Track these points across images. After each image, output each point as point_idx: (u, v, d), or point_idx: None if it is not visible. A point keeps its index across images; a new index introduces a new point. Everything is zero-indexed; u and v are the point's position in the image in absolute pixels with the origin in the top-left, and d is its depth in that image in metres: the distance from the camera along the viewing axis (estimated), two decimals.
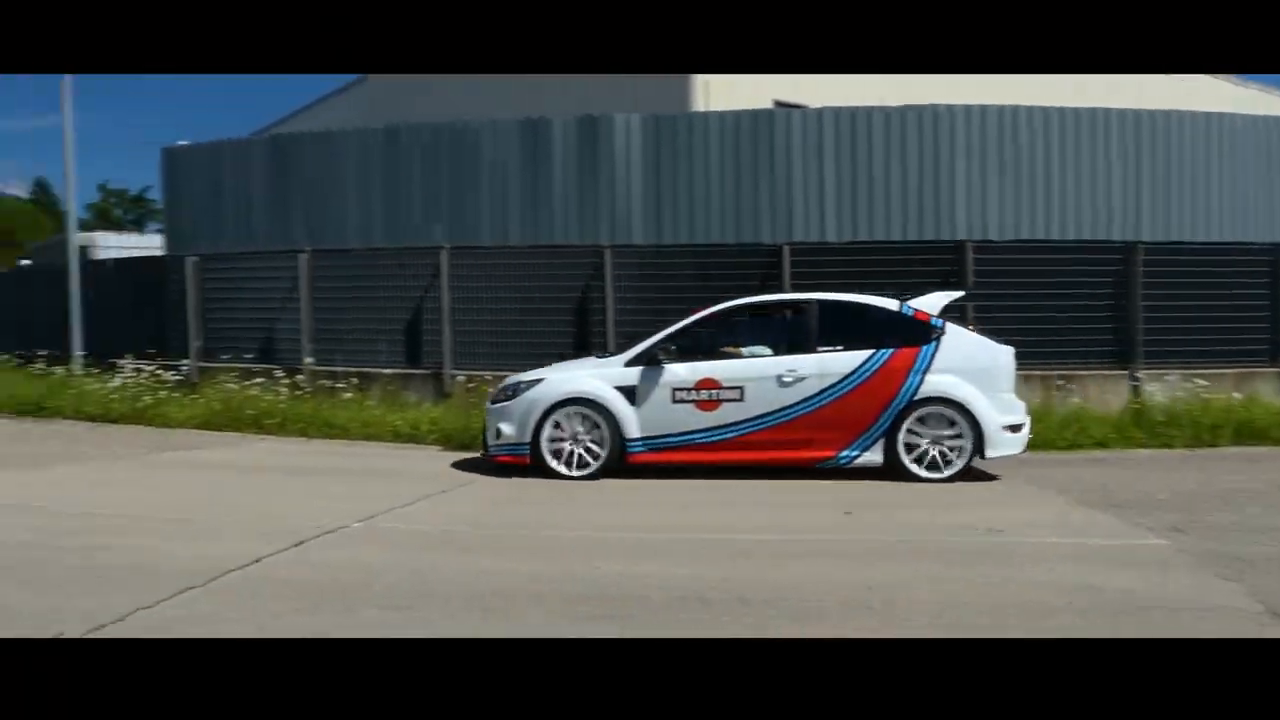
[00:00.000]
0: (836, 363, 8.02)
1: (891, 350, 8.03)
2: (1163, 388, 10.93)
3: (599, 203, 12.93)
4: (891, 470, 7.96)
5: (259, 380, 11.92)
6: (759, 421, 8.04)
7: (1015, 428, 8.06)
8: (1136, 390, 11.01)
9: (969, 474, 8.02)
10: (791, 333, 8.35)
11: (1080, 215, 12.76)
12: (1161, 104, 13.69)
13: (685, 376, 8.15)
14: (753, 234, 12.46)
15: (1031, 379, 10.92)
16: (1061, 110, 12.71)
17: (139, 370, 12.76)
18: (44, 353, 14.99)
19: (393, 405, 11.34)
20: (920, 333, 8.11)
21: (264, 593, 4.80)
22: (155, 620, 4.34)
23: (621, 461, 8.17)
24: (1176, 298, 11.06)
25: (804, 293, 9.00)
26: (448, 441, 10.19)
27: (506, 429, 8.33)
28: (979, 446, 7.91)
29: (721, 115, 12.87)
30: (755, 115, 12.81)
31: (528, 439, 8.19)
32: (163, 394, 12.23)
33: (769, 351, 8.24)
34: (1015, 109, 12.58)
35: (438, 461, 9.27)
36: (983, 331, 10.85)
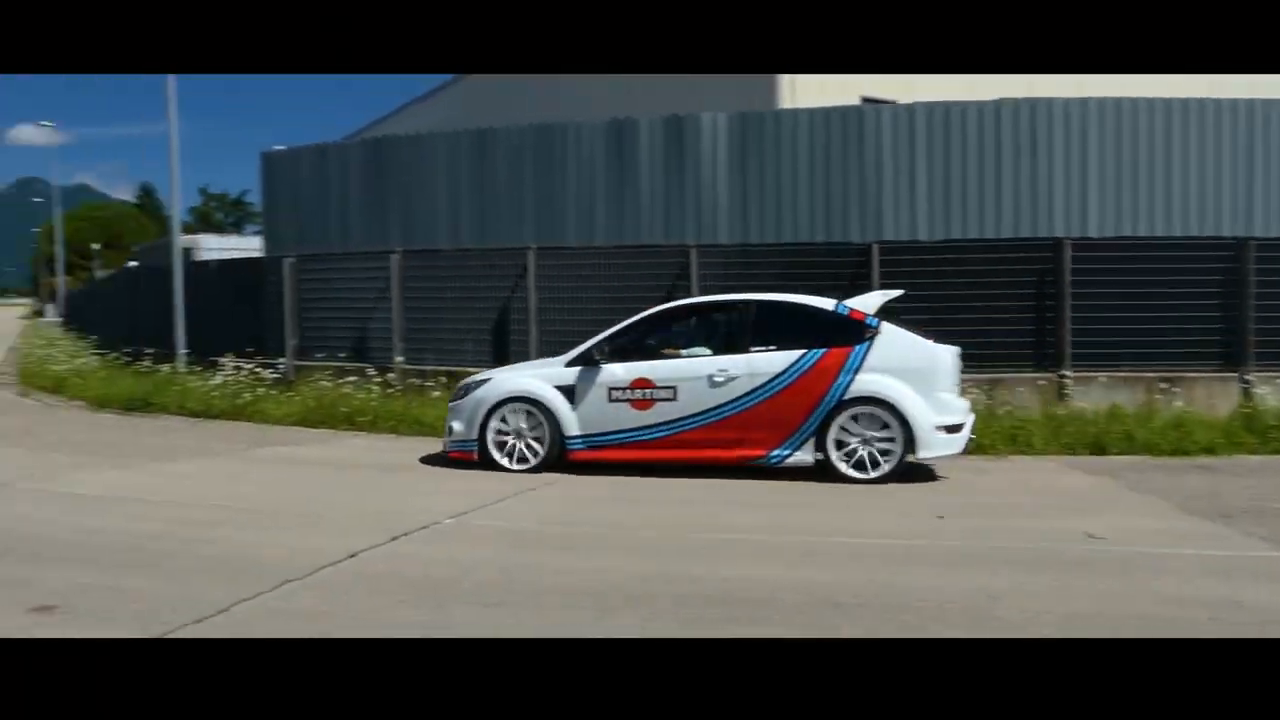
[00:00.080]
0: (767, 363, 8.05)
1: (823, 350, 8.01)
2: (1276, 391, 10.42)
3: (685, 202, 12.88)
4: (823, 470, 7.93)
5: (352, 378, 12.20)
6: (692, 420, 8.13)
7: (953, 428, 7.91)
8: (1247, 393, 10.50)
9: (1053, 475, 7.76)
10: (730, 333, 8.46)
11: (1187, 210, 12.23)
12: (1275, 93, 13.03)
13: (621, 376, 8.32)
14: (841, 233, 12.27)
15: (1132, 381, 10.54)
16: (1168, 101, 12.19)
17: (238, 368, 13.18)
18: (150, 350, 15.63)
19: None
20: (854, 332, 8.06)
21: (360, 587, 4.89)
22: (256, 611, 4.45)
23: (563, 458, 8.37)
24: None
25: (741, 294, 9.05)
26: None
27: (458, 426, 8.67)
28: (910, 447, 7.82)
29: (810, 113, 12.68)
30: (844, 112, 12.60)
31: (475, 435, 8.50)
32: (261, 391, 12.61)
33: (708, 352, 8.34)
34: (1118, 100, 12.12)
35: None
36: (1082, 332, 10.60)
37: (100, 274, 48.70)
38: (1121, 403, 10.27)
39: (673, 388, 8.18)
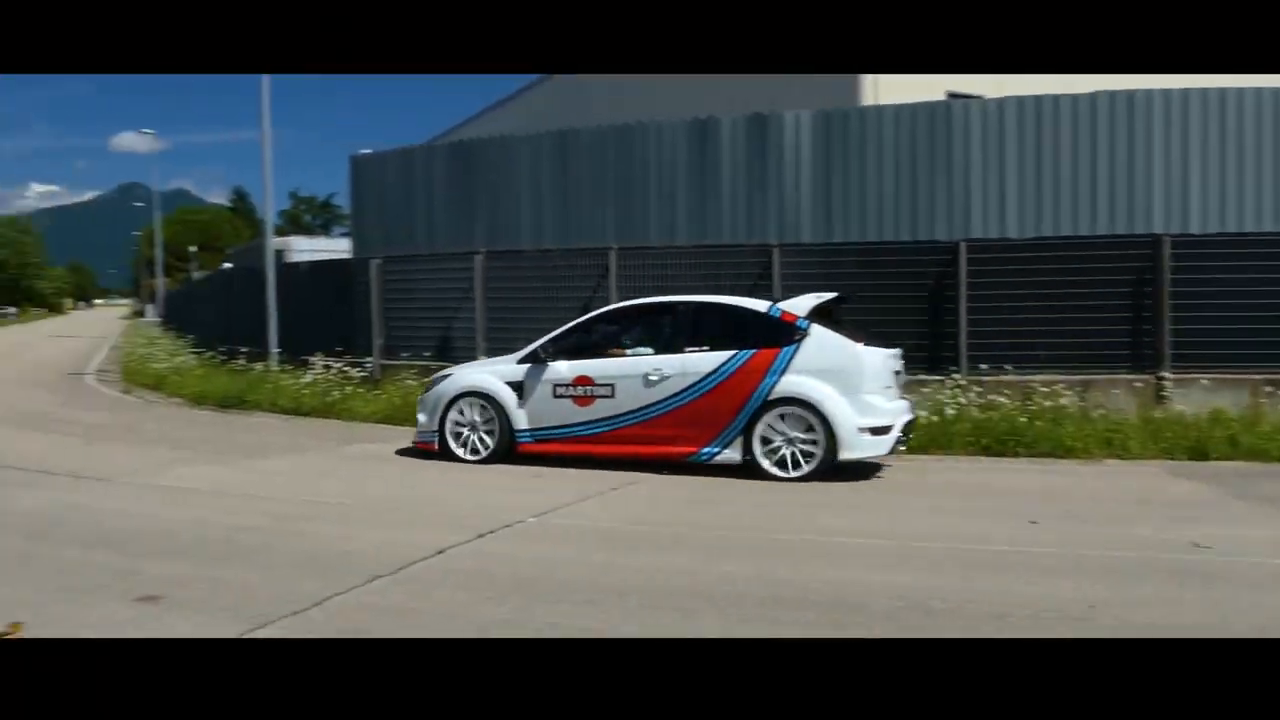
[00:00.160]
0: (698, 363, 8.26)
1: (752, 351, 8.16)
2: None
3: (767, 201, 12.77)
4: (749, 468, 8.01)
5: None
6: (629, 417, 8.42)
7: (878, 430, 7.92)
8: None
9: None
10: (668, 333, 8.69)
11: None
12: None
13: (565, 374, 8.70)
14: (928, 231, 12.01)
15: (1236, 383, 10.10)
16: (1276, 91, 11.64)
17: (327, 367, 13.52)
18: (244, 350, 16.12)
19: None
20: (784, 335, 8.16)
21: (448, 583, 4.96)
22: (349, 605, 4.54)
23: (512, 450, 8.76)
24: None
25: (678, 296, 9.35)
26: None
27: (422, 418, 9.23)
28: (832, 447, 7.83)
29: (896, 109, 12.44)
30: (931, 108, 12.33)
31: (436, 426, 9.02)
32: (349, 389, 12.91)
33: (651, 351, 8.57)
34: (1222, 91, 11.61)
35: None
36: (1182, 332, 10.19)
37: (197, 275, 50.46)
38: (1224, 406, 9.84)
39: (611, 385, 8.49)
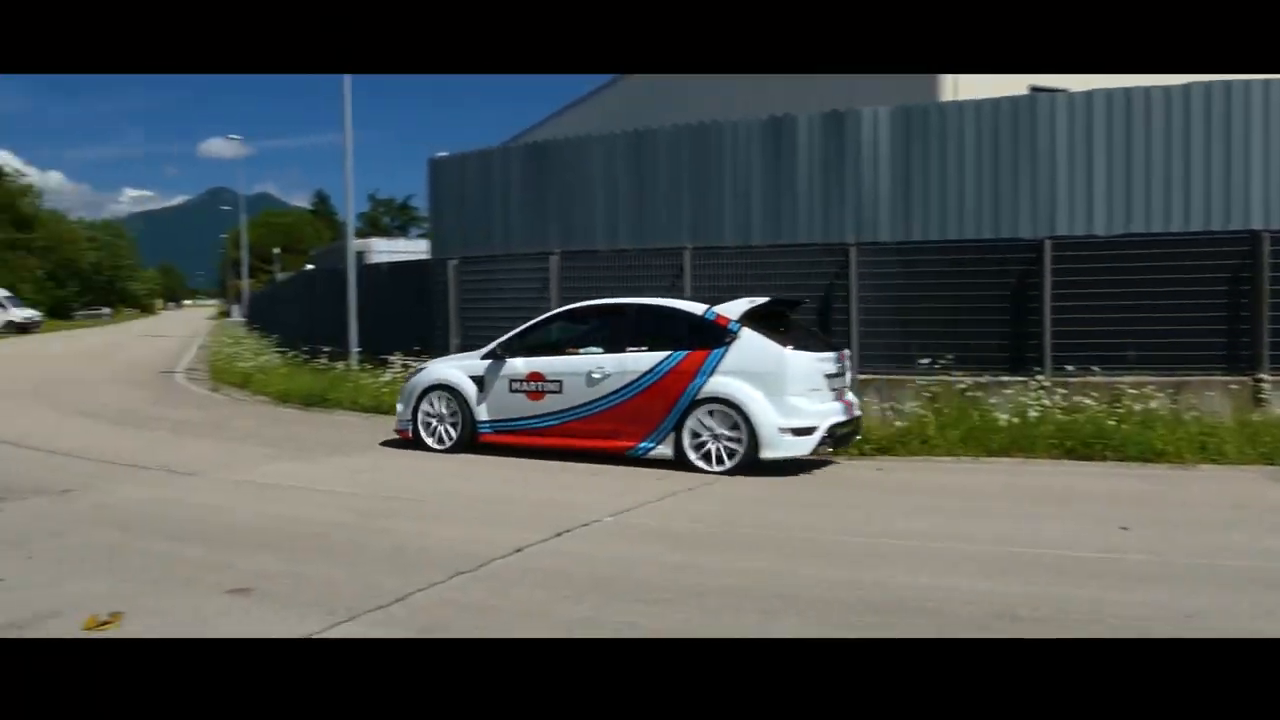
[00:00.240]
0: (636, 362, 8.69)
1: (685, 352, 8.53)
2: None
3: (844, 200, 12.60)
4: (679, 463, 8.35)
5: None
6: (575, 412, 8.91)
7: (800, 430, 8.17)
8: None
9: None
10: (615, 334, 9.09)
11: None
12: None
13: (520, 370, 9.25)
14: (1011, 228, 11.71)
15: None
16: None
17: (406, 366, 13.72)
18: (326, 349, 16.49)
19: None
20: (716, 337, 8.47)
21: (527, 581, 4.99)
22: (431, 601, 4.60)
23: (474, 440, 9.36)
24: None
25: (625, 298, 9.79)
26: None
27: (400, 408, 9.98)
28: (754, 445, 8.12)
29: (977, 104, 12.15)
30: (1015, 102, 12.02)
31: (410, 417, 9.75)
32: None
33: (600, 350, 9.00)
34: None
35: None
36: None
37: (280, 276, 51.82)
38: None
39: (560, 382, 9.01)
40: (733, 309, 8.64)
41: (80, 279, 74.84)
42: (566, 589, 4.84)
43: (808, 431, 8.19)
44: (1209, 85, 11.27)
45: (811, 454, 8.29)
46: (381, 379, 13.65)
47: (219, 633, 4.10)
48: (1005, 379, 10.19)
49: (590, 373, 8.84)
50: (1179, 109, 11.31)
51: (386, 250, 30.74)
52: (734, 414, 8.21)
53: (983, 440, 9.42)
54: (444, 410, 9.57)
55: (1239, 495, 7.56)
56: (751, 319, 8.54)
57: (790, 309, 9.61)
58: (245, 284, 57.62)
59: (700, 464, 8.31)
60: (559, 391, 8.99)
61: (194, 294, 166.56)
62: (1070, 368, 10.09)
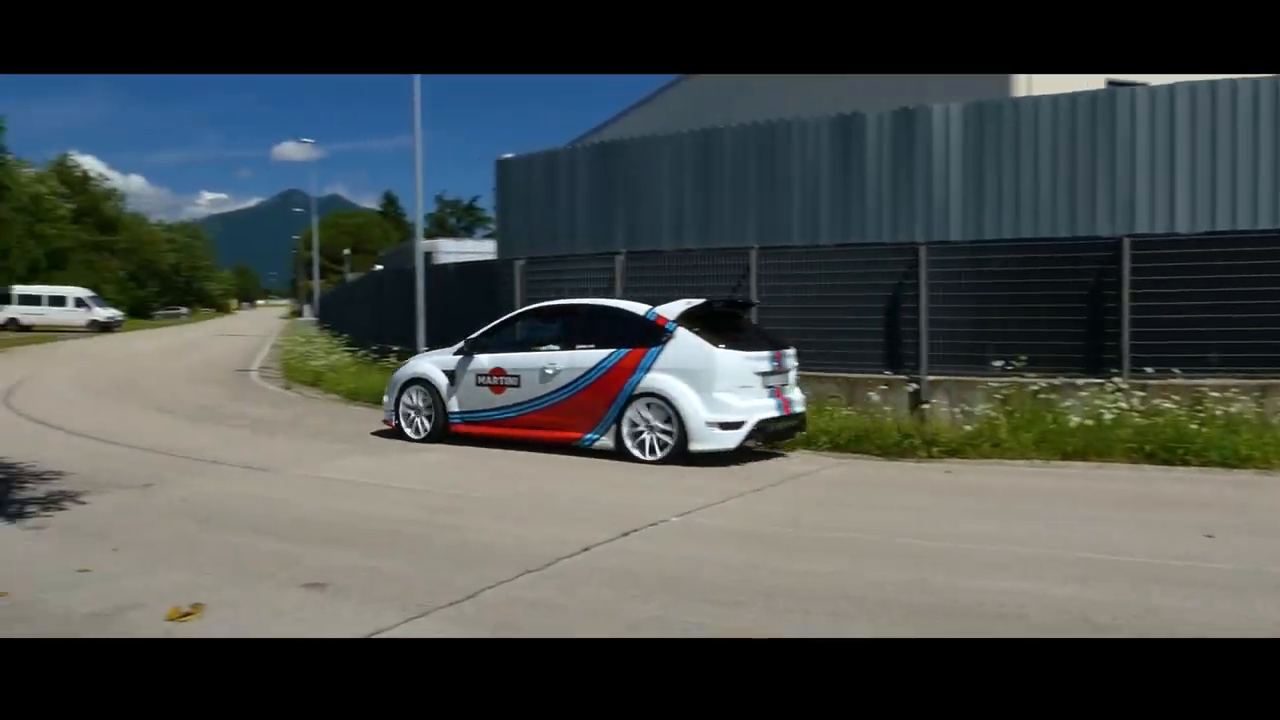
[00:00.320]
0: (582, 359, 9.29)
1: (626, 350, 9.08)
2: None
3: (914, 198, 12.42)
4: (619, 453, 8.90)
5: None
6: (531, 405, 9.56)
7: (727, 425, 8.61)
8: None
9: None
10: (569, 332, 9.67)
11: None
12: None
13: (485, 365, 9.92)
14: (1087, 227, 11.41)
15: None
16: None
17: None
18: (395, 348, 16.75)
19: None
20: (654, 336, 8.99)
21: (594, 580, 5.00)
22: (501, 598, 4.64)
23: (446, 430, 10.03)
24: None
25: (579, 299, 10.48)
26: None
27: (386, 400, 10.73)
28: (683, 437, 8.63)
29: (1053, 99, 11.86)
30: (1092, 96, 11.71)
31: (393, 408, 10.48)
32: None
33: (558, 347, 9.57)
34: None
35: (746, 459, 9.28)
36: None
37: (350, 277, 52.83)
38: None
39: (518, 377, 9.66)
40: (671, 310, 9.17)
41: (160, 279, 77.21)
42: (634, 588, 4.84)
43: (735, 426, 8.66)
44: None
45: (737, 447, 8.71)
46: None
47: (297, 625, 4.19)
48: (1079, 381, 9.94)
49: (544, 368, 9.46)
50: (1268, 102, 10.91)
51: (454, 251, 31.16)
52: (667, 408, 8.73)
53: (1057, 443, 9.20)
54: (420, 403, 10.26)
55: None
56: (689, 319, 9.03)
57: (743, 310, 10.41)
58: (316, 284, 58.81)
59: (637, 453, 8.84)
60: (518, 386, 9.65)
61: (267, 294, 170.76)
62: (1149, 369, 9.79)
